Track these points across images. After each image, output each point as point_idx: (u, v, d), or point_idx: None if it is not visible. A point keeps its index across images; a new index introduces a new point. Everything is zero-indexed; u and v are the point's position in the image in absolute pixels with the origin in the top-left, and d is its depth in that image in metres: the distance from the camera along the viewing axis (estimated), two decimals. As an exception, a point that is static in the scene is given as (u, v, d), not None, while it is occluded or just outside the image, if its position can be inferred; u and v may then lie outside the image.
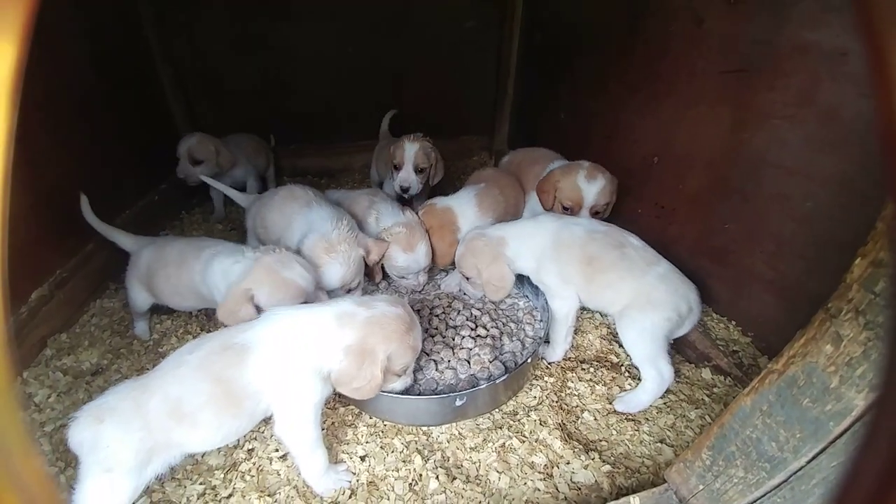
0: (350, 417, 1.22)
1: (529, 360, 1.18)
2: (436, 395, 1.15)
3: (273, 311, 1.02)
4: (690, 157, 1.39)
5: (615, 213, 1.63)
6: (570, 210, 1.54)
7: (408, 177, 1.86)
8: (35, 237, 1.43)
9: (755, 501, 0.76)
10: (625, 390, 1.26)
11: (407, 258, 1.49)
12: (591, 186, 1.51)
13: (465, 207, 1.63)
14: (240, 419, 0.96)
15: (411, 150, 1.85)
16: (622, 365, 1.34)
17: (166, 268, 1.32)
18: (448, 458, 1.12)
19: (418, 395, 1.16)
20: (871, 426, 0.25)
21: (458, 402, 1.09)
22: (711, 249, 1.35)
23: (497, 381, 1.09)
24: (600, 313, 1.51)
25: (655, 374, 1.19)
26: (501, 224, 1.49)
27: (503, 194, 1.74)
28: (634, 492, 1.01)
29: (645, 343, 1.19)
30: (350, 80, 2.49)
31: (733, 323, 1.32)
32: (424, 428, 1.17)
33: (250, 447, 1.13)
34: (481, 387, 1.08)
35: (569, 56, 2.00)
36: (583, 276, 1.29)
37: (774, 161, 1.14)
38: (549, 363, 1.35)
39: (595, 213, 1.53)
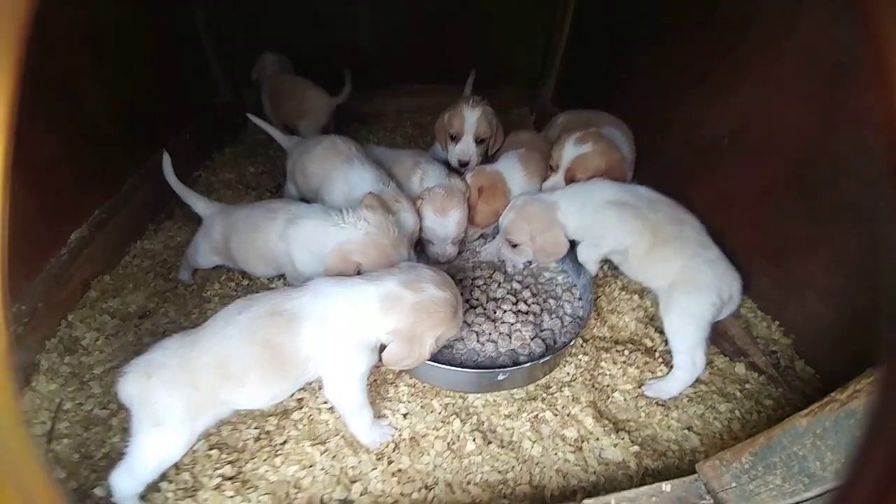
0: (391, 376, 1.27)
1: (571, 343, 1.21)
2: (479, 368, 1.19)
3: (319, 283, 1.03)
4: (765, 148, 1.31)
5: (668, 195, 1.58)
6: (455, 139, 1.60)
7: (467, 149, 1.66)
8: (72, 178, 1.42)
9: (787, 507, 0.81)
10: (656, 376, 1.29)
11: (435, 221, 1.45)
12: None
13: (512, 172, 1.58)
14: (286, 382, 1.01)
15: (472, 118, 1.65)
16: (656, 350, 1.36)
17: (238, 234, 1.31)
18: (483, 422, 1.19)
19: (460, 365, 1.20)
20: (871, 426, 0.26)
21: (500, 377, 1.14)
22: (768, 247, 1.31)
23: (539, 361, 1.12)
24: (639, 295, 1.52)
25: (689, 363, 1.21)
26: (554, 191, 1.46)
27: (543, 159, 1.67)
28: (660, 474, 1.08)
29: (689, 329, 1.20)
30: (387, 19, 2.30)
31: (776, 323, 1.32)
32: (461, 393, 1.23)
33: (300, 396, 1.20)
34: (524, 365, 1.12)
35: (637, 15, 1.82)
36: (646, 242, 1.28)
37: (855, 171, 1.07)
38: (583, 341, 1.38)
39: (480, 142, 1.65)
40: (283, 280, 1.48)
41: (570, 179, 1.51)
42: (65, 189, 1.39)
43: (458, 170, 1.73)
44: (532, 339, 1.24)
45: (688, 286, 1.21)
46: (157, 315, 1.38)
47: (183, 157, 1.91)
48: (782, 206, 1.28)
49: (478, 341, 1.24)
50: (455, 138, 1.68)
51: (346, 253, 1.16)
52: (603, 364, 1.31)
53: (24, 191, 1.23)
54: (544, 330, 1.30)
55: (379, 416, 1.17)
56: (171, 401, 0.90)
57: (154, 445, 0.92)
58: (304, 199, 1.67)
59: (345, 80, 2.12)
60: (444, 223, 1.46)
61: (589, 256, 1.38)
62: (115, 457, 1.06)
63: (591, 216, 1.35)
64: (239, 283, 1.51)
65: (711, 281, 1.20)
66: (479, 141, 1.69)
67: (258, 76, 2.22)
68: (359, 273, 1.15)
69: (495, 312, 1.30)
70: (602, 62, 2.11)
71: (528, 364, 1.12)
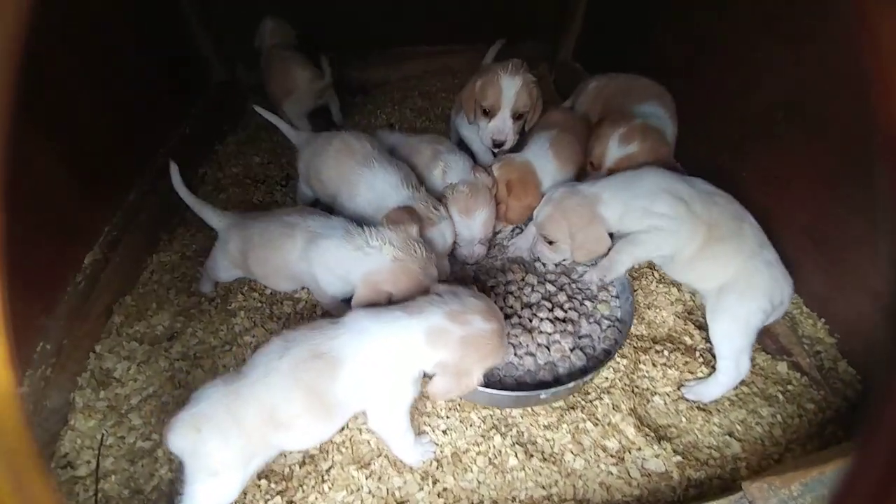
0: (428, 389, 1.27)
1: (613, 355, 1.17)
2: (518, 383, 1.17)
3: (357, 319, 0.99)
4: (828, 121, 1.16)
5: (709, 173, 1.46)
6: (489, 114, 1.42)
7: (503, 126, 1.41)
8: (75, 197, 1.33)
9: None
10: (697, 377, 1.27)
11: (461, 223, 1.36)
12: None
13: (542, 161, 1.45)
14: (333, 421, 1.00)
15: (511, 90, 1.38)
16: (696, 349, 1.33)
17: (255, 250, 1.25)
18: (523, 433, 1.19)
19: (499, 380, 1.18)
20: (871, 426, 0.25)
21: (543, 396, 1.12)
22: (822, 238, 1.22)
23: (582, 381, 1.10)
24: (676, 287, 1.46)
25: (733, 368, 1.18)
26: (596, 181, 1.34)
27: (579, 141, 1.53)
28: (702, 484, 1.09)
29: (738, 335, 1.16)
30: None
31: (822, 321, 1.27)
32: (500, 406, 1.22)
33: (339, 419, 1.20)
34: (568, 385, 1.09)
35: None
36: (699, 240, 1.19)
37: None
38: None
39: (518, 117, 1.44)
40: (307, 292, 1.44)
41: (514, 116, 1.42)
42: (69, 210, 1.31)
43: (493, 150, 1.56)
44: (571, 351, 1.20)
45: (742, 289, 1.14)
46: (185, 335, 1.36)
47: (186, 154, 1.79)
48: (841, 192, 1.17)
49: (515, 354, 1.21)
50: (489, 113, 1.43)
51: (376, 284, 1.09)
52: (642, 366, 1.29)
53: (26, 218, 1.16)
54: (582, 337, 1.26)
55: (419, 432, 1.17)
56: (223, 451, 0.91)
57: (209, 492, 0.94)
58: (318, 201, 1.57)
59: (322, 66, 1.89)
60: (469, 224, 1.37)
61: (628, 256, 1.27)
62: (165, 489, 1.09)
63: (639, 210, 1.22)
64: (262, 293, 1.47)
65: (767, 284, 1.13)
66: (516, 116, 1.44)
67: (259, 45, 2.00)
68: (390, 301, 1.10)
69: (531, 321, 1.26)
70: (633, 11, 1.86)
71: (571, 384, 1.09)
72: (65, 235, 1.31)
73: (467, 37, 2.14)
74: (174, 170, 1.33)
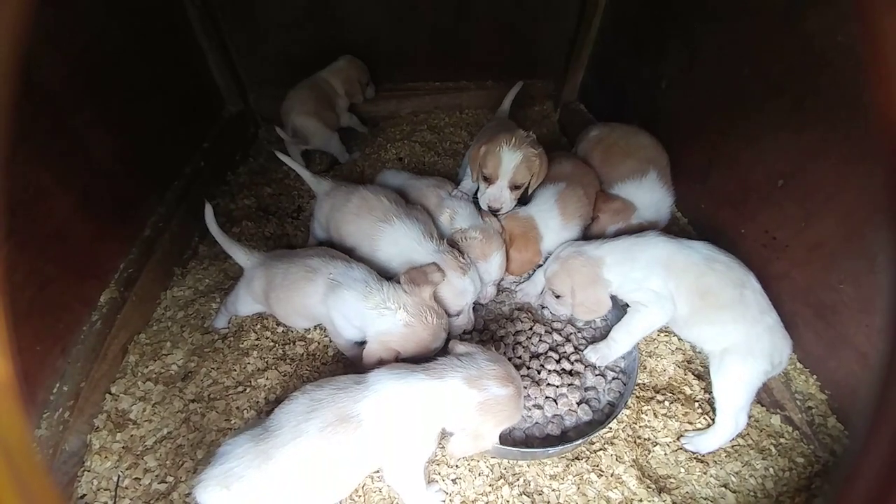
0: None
1: (619, 412, 1.22)
2: (527, 435, 1.21)
3: (381, 380, 1.02)
4: (825, 196, 1.24)
5: (712, 228, 1.52)
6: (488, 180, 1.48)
7: (500, 195, 1.45)
8: (90, 233, 1.34)
9: None
10: (696, 427, 1.33)
11: (479, 267, 1.41)
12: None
13: (547, 215, 1.51)
14: (357, 478, 1.05)
15: (511, 163, 1.41)
16: (695, 399, 1.39)
17: (277, 291, 1.29)
18: (529, 482, 1.23)
19: (509, 433, 1.22)
20: (871, 426, 0.26)
21: (551, 452, 1.16)
22: (817, 302, 1.29)
23: (589, 438, 1.15)
24: (677, 336, 1.52)
25: (732, 423, 1.24)
26: (601, 241, 1.40)
27: (587, 195, 1.59)
28: (700, 537, 1.15)
29: (739, 394, 1.22)
30: (401, 7, 2.07)
31: (815, 377, 1.34)
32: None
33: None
34: (576, 442, 1.14)
35: (690, 15, 1.64)
36: (691, 307, 1.26)
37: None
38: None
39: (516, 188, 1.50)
40: (319, 333, 1.47)
41: (511, 186, 1.47)
42: (85, 248, 1.33)
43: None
44: (578, 405, 1.25)
45: (744, 353, 1.21)
46: (199, 375, 1.38)
47: (201, 187, 1.82)
48: (836, 262, 1.24)
49: (525, 406, 1.25)
50: (488, 179, 1.49)
51: (386, 343, 1.16)
52: (644, 416, 1.34)
53: (44, 258, 1.18)
54: (588, 389, 1.31)
55: (429, 481, 1.21)
56: None
57: None
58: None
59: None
60: (486, 268, 1.42)
61: (623, 343, 1.33)
62: (181, 533, 1.11)
63: (634, 283, 1.30)
64: (274, 332, 1.49)
65: (768, 349, 1.20)
66: (514, 187, 1.48)
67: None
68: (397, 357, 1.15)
69: (539, 373, 1.31)
70: (642, 59, 1.94)
71: (579, 441, 1.14)
72: (81, 273, 1.32)
73: (477, 75, 2.20)
74: (209, 211, 1.38)
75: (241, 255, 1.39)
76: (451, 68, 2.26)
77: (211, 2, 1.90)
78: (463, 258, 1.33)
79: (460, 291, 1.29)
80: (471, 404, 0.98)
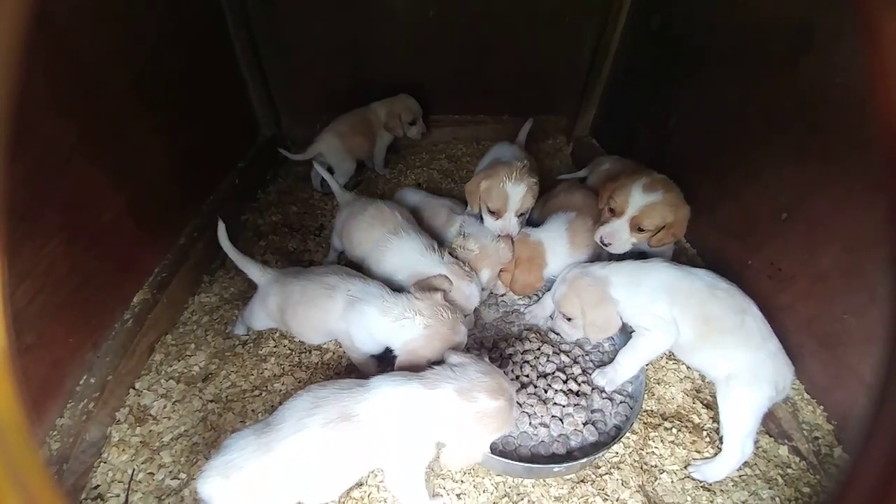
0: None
1: (624, 433, 1.23)
2: (533, 454, 1.23)
3: (381, 385, 1.06)
4: (829, 231, 1.28)
5: (720, 260, 1.55)
6: (496, 214, 1.54)
7: (508, 225, 1.52)
8: (133, 236, 1.44)
9: None
10: (703, 456, 1.32)
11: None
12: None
13: (556, 242, 1.58)
14: (355, 476, 1.09)
15: (517, 195, 1.48)
16: (703, 428, 1.39)
17: (294, 307, 1.35)
18: (534, 502, 1.23)
19: (514, 449, 1.24)
20: (871, 426, 0.27)
21: (556, 469, 1.17)
22: (822, 333, 1.31)
23: (594, 458, 1.16)
24: (685, 364, 1.53)
25: (738, 451, 1.24)
26: (606, 262, 1.45)
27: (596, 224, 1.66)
28: (708, 568, 1.13)
29: (745, 420, 1.23)
30: (427, 47, 2.25)
31: (822, 407, 1.33)
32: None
33: (357, 474, 1.26)
34: (581, 461, 1.15)
35: (698, 59, 1.74)
36: (695, 332, 1.29)
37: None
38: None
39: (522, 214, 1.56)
40: (334, 344, 1.53)
41: (634, 227, 1.48)
42: (128, 251, 1.43)
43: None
44: (584, 426, 1.26)
45: (748, 379, 1.22)
46: (219, 377, 1.43)
47: (232, 203, 1.95)
48: (840, 294, 1.27)
49: (530, 424, 1.27)
50: (495, 213, 1.54)
51: (414, 350, 1.21)
52: (651, 443, 1.34)
53: (87, 253, 1.26)
54: (595, 411, 1.32)
55: (433, 494, 1.22)
56: (251, 502, 0.96)
57: None
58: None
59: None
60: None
61: (630, 367, 1.35)
62: (189, 529, 1.13)
63: (638, 307, 1.34)
64: (292, 341, 1.55)
65: (771, 374, 1.22)
66: (520, 214, 1.56)
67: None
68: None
69: (546, 392, 1.33)
70: (651, 98, 2.04)
71: (584, 459, 1.15)
72: (120, 274, 1.41)
73: (494, 109, 2.34)
74: (221, 227, 1.43)
75: (254, 272, 1.43)
76: (472, 103, 2.41)
77: (255, 37, 2.10)
78: (467, 268, 1.43)
79: (468, 296, 1.39)
80: (461, 415, 1.00)
